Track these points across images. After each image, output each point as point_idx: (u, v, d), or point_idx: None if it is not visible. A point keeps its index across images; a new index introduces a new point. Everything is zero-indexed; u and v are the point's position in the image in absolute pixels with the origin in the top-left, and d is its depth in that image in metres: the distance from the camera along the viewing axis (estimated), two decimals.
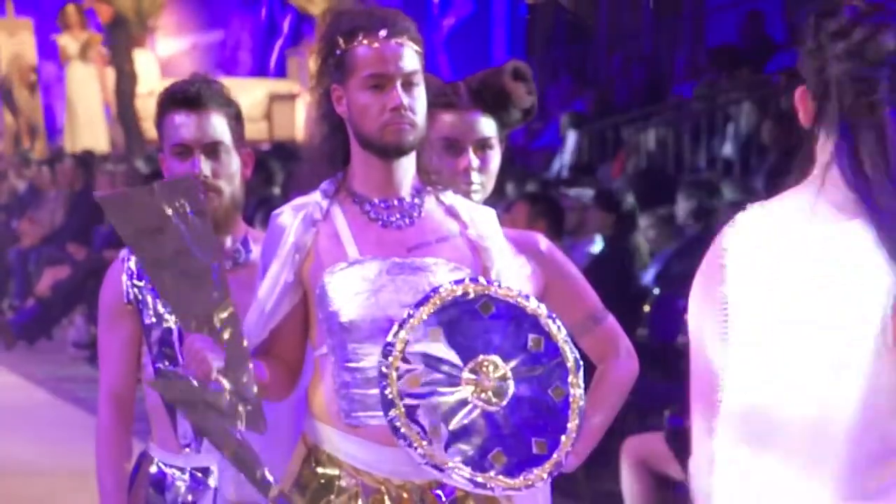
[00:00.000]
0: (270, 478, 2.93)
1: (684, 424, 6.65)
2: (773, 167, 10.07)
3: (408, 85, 3.04)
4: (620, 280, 8.58)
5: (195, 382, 2.95)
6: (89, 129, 17.40)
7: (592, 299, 3.35)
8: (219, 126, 3.44)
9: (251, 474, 2.93)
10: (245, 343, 2.98)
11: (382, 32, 3.04)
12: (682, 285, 8.40)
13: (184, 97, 3.43)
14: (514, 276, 3.16)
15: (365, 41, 3.04)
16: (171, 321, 3.44)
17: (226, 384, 2.94)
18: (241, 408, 2.93)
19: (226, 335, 2.97)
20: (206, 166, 3.40)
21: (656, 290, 8.67)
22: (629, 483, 6.76)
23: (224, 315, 2.98)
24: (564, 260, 3.38)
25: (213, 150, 3.42)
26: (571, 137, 13.53)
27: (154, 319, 3.47)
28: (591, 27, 17.17)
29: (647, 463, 6.73)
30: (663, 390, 8.01)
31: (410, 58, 3.05)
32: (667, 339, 8.39)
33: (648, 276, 9.12)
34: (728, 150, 11.68)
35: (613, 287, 7.87)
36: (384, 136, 3.03)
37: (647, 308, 8.55)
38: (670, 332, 8.37)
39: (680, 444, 6.55)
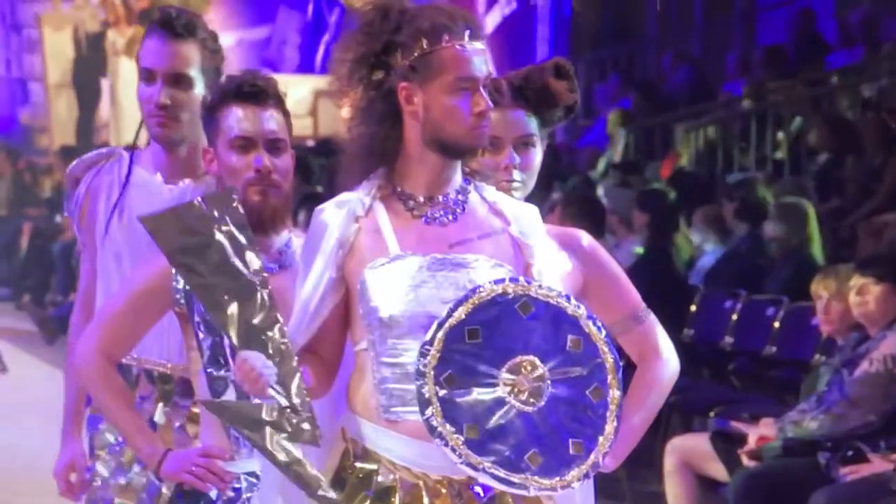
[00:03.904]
0: (331, 493, 2.94)
1: (729, 426, 6.67)
2: (823, 167, 9.98)
3: (485, 88, 3.05)
4: (666, 280, 8.53)
5: (249, 400, 2.97)
6: (134, 125, 17.37)
7: (634, 298, 3.32)
8: (279, 122, 3.44)
9: (310, 489, 2.93)
10: (294, 355, 2.98)
11: (467, 34, 3.03)
12: (729, 285, 8.38)
13: (251, 90, 3.42)
14: (555, 273, 3.14)
15: (451, 43, 3.02)
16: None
17: (281, 400, 2.95)
18: (295, 422, 2.95)
19: (275, 350, 2.97)
20: (268, 161, 3.39)
21: (703, 290, 8.62)
22: (672, 484, 6.74)
23: (273, 329, 2.98)
24: (607, 258, 3.35)
25: (274, 145, 3.41)
26: (619, 136, 13.47)
27: (206, 332, 3.45)
28: (639, 25, 17.10)
29: (690, 464, 6.71)
30: (708, 391, 7.96)
31: (488, 61, 3.05)
32: (713, 340, 8.34)
33: (695, 276, 9.06)
34: (778, 150, 11.60)
35: (659, 286, 7.83)
36: (468, 139, 3.03)
37: (693, 308, 8.50)
38: (716, 332, 8.32)
39: (724, 446, 6.51)
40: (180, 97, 3.79)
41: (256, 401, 2.96)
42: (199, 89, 3.81)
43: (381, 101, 3.07)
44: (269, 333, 2.98)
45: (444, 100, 3.01)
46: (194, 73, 3.81)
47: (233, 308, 2.99)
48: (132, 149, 3.93)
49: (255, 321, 2.98)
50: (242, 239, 3.03)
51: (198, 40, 3.82)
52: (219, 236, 3.01)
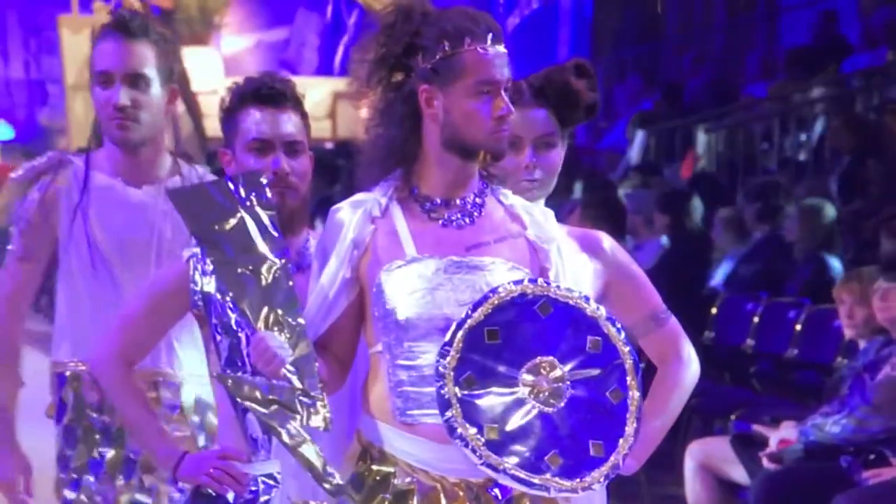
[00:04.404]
0: (337, 476, 2.94)
1: (750, 429, 6.62)
2: (847, 169, 9.92)
3: (506, 91, 3.04)
4: (687, 282, 8.49)
5: (264, 380, 2.97)
6: None
7: (655, 300, 3.30)
8: (297, 124, 3.43)
9: (317, 472, 2.93)
10: (310, 340, 3.00)
11: (489, 37, 3.02)
12: (751, 288, 8.32)
13: (268, 93, 3.41)
14: (574, 275, 3.13)
15: (473, 46, 3.00)
16: (241, 334, 3.41)
17: (295, 381, 2.95)
18: (307, 404, 2.95)
19: (293, 332, 2.99)
20: (286, 164, 3.38)
21: (724, 293, 8.58)
22: (692, 487, 6.71)
23: (291, 312, 3.00)
24: (627, 260, 3.34)
25: (292, 148, 3.40)
26: (639, 137, 13.43)
27: (224, 334, 3.43)
28: (660, 27, 17.06)
29: (711, 467, 6.68)
30: (729, 394, 7.92)
31: (508, 64, 3.04)
32: (734, 343, 8.30)
33: (716, 278, 9.02)
34: (801, 151, 11.55)
35: (680, 289, 7.80)
36: (488, 143, 3.03)
37: (713, 311, 8.46)
38: (738, 335, 8.28)
39: (745, 449, 6.47)
40: (139, 98, 3.79)
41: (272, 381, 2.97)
42: (156, 89, 3.81)
43: (401, 103, 3.06)
44: (288, 316, 2.99)
45: (464, 103, 3.00)
46: (151, 72, 3.81)
47: (252, 289, 3.01)
48: (87, 152, 3.90)
49: (276, 303, 3.00)
50: (267, 221, 3.06)
51: (151, 40, 3.82)
52: (245, 215, 3.05)
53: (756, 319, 8.19)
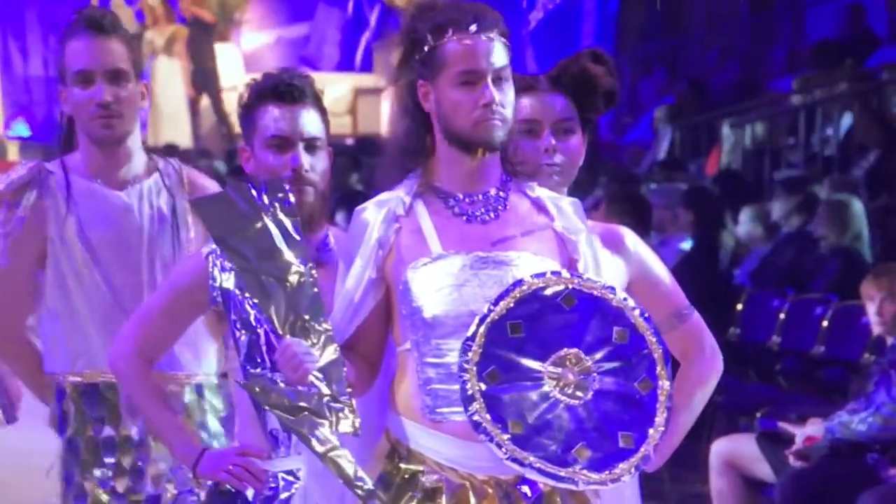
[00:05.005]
0: (368, 480, 2.94)
1: (776, 426, 6.57)
2: (874, 164, 9.86)
3: (497, 80, 3.02)
4: (712, 278, 8.44)
5: (290, 386, 2.97)
6: (172, 123, 17.44)
7: (678, 296, 3.29)
8: (315, 121, 3.40)
9: (348, 478, 2.94)
10: (337, 345, 2.99)
11: (472, 27, 3.01)
12: (777, 284, 8.24)
13: (286, 89, 3.38)
14: (601, 267, 3.11)
15: (455, 37, 3.01)
16: (260, 329, 3.38)
17: (322, 388, 2.95)
18: (335, 410, 2.95)
19: (319, 338, 2.99)
20: (305, 161, 3.35)
21: (749, 289, 8.53)
22: (717, 485, 6.66)
23: (317, 318, 2.99)
24: (650, 256, 3.32)
25: (311, 144, 3.38)
26: (665, 132, 13.38)
27: (243, 330, 3.40)
28: (684, 21, 17.01)
29: (736, 465, 6.64)
30: (755, 391, 7.87)
31: (500, 52, 3.03)
32: (759, 339, 8.25)
33: (741, 275, 8.97)
34: (827, 146, 11.47)
35: (704, 285, 7.74)
36: (476, 133, 3.02)
37: (739, 307, 8.42)
38: (763, 332, 8.23)
39: (771, 446, 6.42)
40: (122, 94, 3.74)
41: (298, 388, 2.97)
42: (133, 85, 3.76)
43: (408, 100, 3.08)
44: (314, 322, 2.99)
45: (450, 94, 3.01)
46: (128, 67, 3.76)
47: (278, 296, 3.01)
48: (61, 154, 3.84)
49: (302, 309, 3.00)
50: (290, 227, 3.06)
51: (122, 35, 3.78)
52: (268, 222, 3.06)
53: (782, 316, 8.14)
